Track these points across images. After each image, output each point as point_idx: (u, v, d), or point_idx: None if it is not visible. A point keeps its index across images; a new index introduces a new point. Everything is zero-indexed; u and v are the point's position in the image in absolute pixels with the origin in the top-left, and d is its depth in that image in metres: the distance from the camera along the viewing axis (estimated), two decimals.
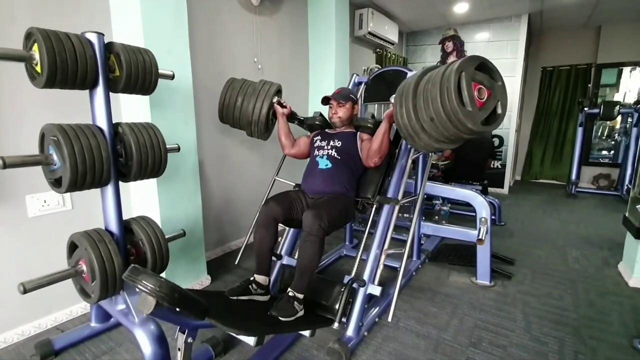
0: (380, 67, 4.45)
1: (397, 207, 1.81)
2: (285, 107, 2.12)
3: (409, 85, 1.42)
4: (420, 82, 1.38)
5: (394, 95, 1.58)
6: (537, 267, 2.57)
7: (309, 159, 2.03)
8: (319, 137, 2.01)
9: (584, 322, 1.87)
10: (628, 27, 4.98)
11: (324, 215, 1.53)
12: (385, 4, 4.23)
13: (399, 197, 1.84)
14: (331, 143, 1.92)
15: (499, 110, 1.30)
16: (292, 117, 2.20)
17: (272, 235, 1.64)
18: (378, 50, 4.70)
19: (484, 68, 1.28)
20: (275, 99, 2.12)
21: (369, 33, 4.14)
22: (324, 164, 1.87)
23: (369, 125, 1.95)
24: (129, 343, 1.66)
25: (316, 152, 1.94)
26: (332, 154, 1.88)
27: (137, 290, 0.98)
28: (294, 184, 2.14)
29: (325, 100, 2.02)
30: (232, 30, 2.67)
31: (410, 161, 1.93)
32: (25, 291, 1.20)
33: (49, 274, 1.28)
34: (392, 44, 4.70)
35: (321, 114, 2.18)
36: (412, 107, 1.38)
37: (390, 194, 1.89)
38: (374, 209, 1.86)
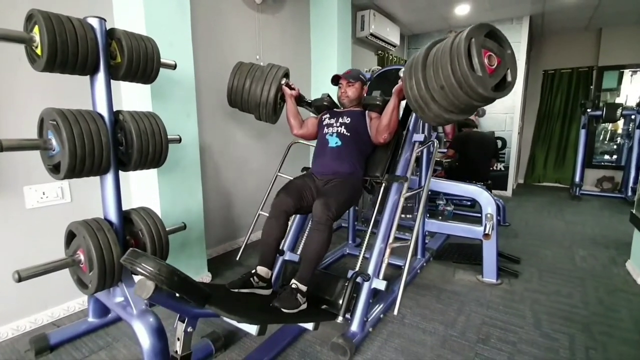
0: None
1: (406, 185, 1.79)
2: (293, 89, 2.13)
3: (419, 57, 1.42)
4: (429, 53, 1.39)
5: (402, 69, 1.57)
6: (544, 265, 2.52)
7: (317, 139, 2.02)
8: (327, 115, 2.01)
9: (594, 319, 1.82)
10: (629, 29, 4.99)
11: (333, 204, 1.54)
12: (387, 6, 4.25)
13: (404, 193, 1.81)
14: (340, 120, 1.91)
15: (509, 78, 1.30)
16: (300, 99, 2.20)
17: (282, 228, 1.64)
18: (380, 52, 4.71)
19: (494, 36, 1.28)
20: (283, 81, 2.12)
21: (371, 34, 4.15)
22: (333, 142, 1.86)
23: (377, 102, 1.94)
24: (126, 338, 1.61)
25: (325, 130, 1.93)
26: (342, 131, 1.87)
27: (136, 273, 0.95)
28: (302, 168, 2.13)
29: (335, 80, 2.02)
30: (235, 27, 2.67)
31: (414, 155, 1.91)
32: (20, 279, 1.17)
33: (45, 262, 1.25)
34: (394, 46, 4.71)
35: (329, 95, 2.17)
36: (422, 78, 1.38)
37: (398, 173, 1.88)
38: (382, 189, 1.83)
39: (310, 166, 1.97)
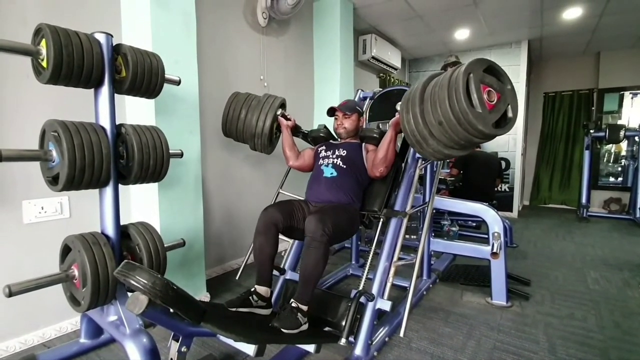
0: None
1: (405, 220, 1.73)
2: (289, 119, 2.12)
3: (416, 91, 1.39)
4: (427, 86, 1.36)
5: (399, 103, 1.55)
6: (556, 288, 2.43)
7: (312, 170, 1.98)
8: (323, 148, 1.98)
9: (612, 344, 1.72)
10: (626, 53, 5.08)
11: (328, 220, 1.46)
12: (388, 31, 4.37)
13: (407, 210, 1.76)
14: (336, 152, 1.88)
15: (510, 114, 1.26)
16: (296, 130, 2.18)
17: (272, 243, 1.56)
18: (381, 74, 4.80)
19: (492, 71, 1.25)
20: (279, 112, 2.11)
21: (373, 58, 4.25)
22: (329, 172, 1.82)
23: (374, 135, 1.92)
24: None
25: (321, 162, 1.89)
26: (338, 163, 1.83)
27: (129, 285, 0.90)
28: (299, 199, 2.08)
29: (331, 112, 1.99)
30: (240, 48, 2.74)
31: (418, 173, 1.87)
32: (10, 294, 1.12)
33: (37, 277, 1.21)
34: (395, 69, 4.80)
35: (325, 126, 2.16)
36: (419, 112, 1.35)
37: (397, 207, 1.81)
38: (380, 223, 1.77)
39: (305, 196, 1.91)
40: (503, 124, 1.27)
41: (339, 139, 2.04)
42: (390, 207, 1.83)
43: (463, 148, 1.40)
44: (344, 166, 1.83)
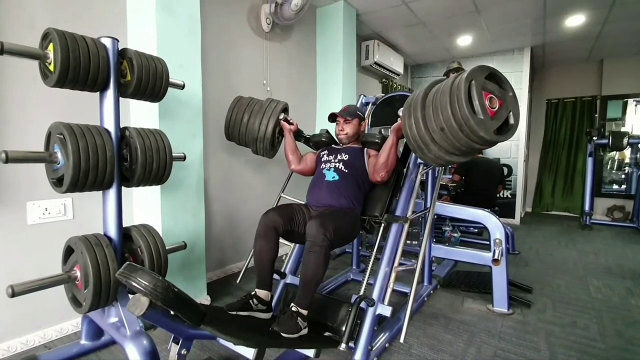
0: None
1: (406, 226, 1.73)
2: (292, 124, 2.13)
3: (418, 96, 1.40)
4: (429, 92, 1.36)
5: (401, 109, 1.55)
6: (558, 295, 2.41)
7: (314, 174, 1.99)
8: (325, 152, 1.99)
9: (614, 353, 1.71)
10: (630, 60, 5.08)
11: (329, 224, 1.46)
12: (391, 37, 4.40)
13: (408, 216, 1.76)
14: (338, 157, 1.89)
15: (512, 121, 1.26)
16: (298, 134, 2.20)
17: (273, 246, 1.57)
18: (384, 80, 4.82)
19: (494, 78, 1.26)
20: (281, 116, 2.12)
21: (375, 63, 4.27)
22: (330, 176, 1.83)
23: (376, 140, 1.92)
24: None
25: (323, 166, 1.90)
26: (340, 167, 1.84)
27: (131, 287, 0.91)
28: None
29: (332, 118, 2.01)
30: (243, 52, 2.76)
31: (419, 178, 1.88)
32: (13, 294, 1.13)
33: (40, 278, 1.22)
34: (398, 74, 4.82)
35: (327, 131, 2.17)
36: (421, 118, 1.35)
37: (399, 213, 1.81)
38: (382, 228, 1.78)
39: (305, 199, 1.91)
40: (505, 130, 1.27)
41: (340, 144, 2.05)
42: (391, 213, 1.83)
43: (464, 154, 1.40)
44: (346, 170, 1.83)
